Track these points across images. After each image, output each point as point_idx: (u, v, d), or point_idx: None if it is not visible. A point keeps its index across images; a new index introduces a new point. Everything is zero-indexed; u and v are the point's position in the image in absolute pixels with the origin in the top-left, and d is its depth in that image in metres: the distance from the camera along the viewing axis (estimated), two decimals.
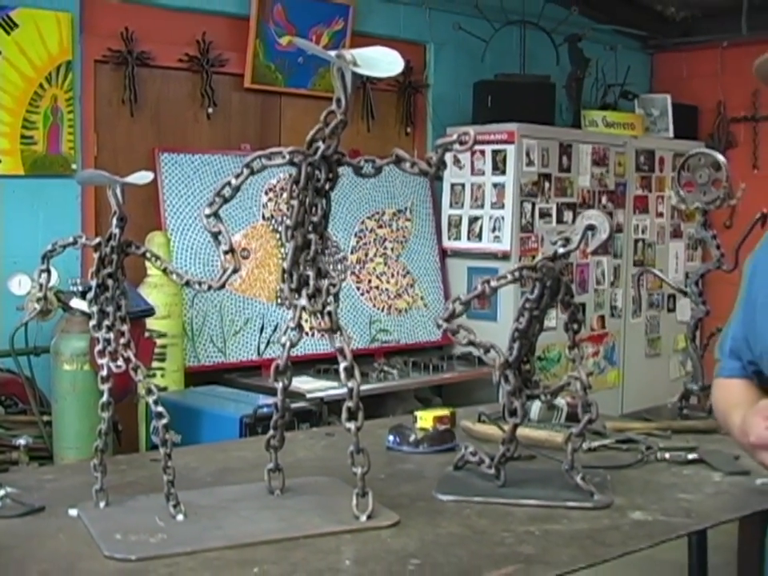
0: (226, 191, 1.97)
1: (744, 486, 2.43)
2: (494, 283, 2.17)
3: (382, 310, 5.69)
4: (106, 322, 2.09)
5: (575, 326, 2.30)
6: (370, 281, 5.67)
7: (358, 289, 5.61)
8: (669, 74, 7.59)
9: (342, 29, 5.54)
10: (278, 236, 5.15)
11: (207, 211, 1.96)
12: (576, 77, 6.50)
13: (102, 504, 2.07)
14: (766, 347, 1.97)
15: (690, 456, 2.62)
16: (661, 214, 6.90)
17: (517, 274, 2.19)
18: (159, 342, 4.44)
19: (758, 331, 2.00)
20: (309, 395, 4.49)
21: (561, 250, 2.22)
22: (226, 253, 1.95)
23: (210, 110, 5.19)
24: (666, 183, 6.73)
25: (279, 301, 5.03)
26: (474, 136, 1.89)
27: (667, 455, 2.63)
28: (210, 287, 2.03)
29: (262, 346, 5.11)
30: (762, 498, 2.37)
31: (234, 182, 1.97)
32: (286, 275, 2.00)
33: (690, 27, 7.42)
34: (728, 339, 2.18)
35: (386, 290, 5.73)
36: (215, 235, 1.96)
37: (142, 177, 2.12)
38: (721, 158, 3.50)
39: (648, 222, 6.81)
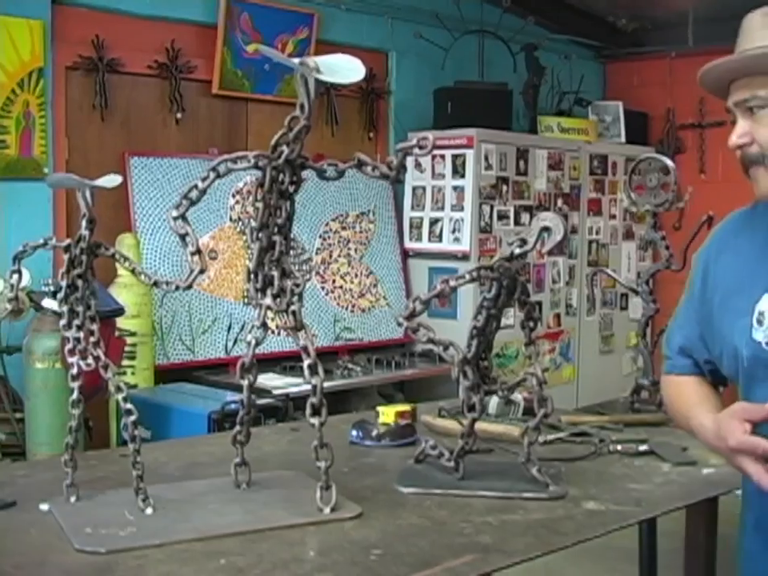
0: (193, 194, 1.96)
1: (691, 476, 2.45)
2: (452, 283, 2.18)
3: (346, 309, 5.69)
4: (76, 322, 2.07)
5: (531, 324, 2.31)
6: (334, 281, 5.66)
7: (323, 288, 5.60)
8: (621, 82, 7.64)
9: (307, 37, 5.53)
10: (244, 237, 5.13)
11: (174, 213, 1.95)
12: (532, 84, 6.52)
13: (72, 499, 2.06)
14: (726, 347, 1.90)
15: (641, 448, 2.64)
16: (613, 216, 6.93)
17: (475, 273, 2.20)
18: (129, 340, 4.42)
19: (716, 331, 1.95)
20: (275, 392, 4.48)
21: (517, 251, 2.23)
22: (192, 254, 1.94)
23: (179, 115, 5.17)
24: (618, 186, 6.75)
25: (246, 300, 5.01)
26: (432, 141, 1.89)
27: (619, 447, 2.65)
28: (177, 287, 2.02)
29: (230, 344, 5.09)
30: (708, 487, 2.40)
31: (200, 185, 1.96)
32: (251, 275, 2.00)
33: (640, 38, 7.47)
34: (677, 336, 2.13)
35: (350, 289, 5.73)
36: (182, 237, 1.94)
37: (111, 180, 2.11)
38: (669, 162, 3.53)
39: (601, 224, 6.84)
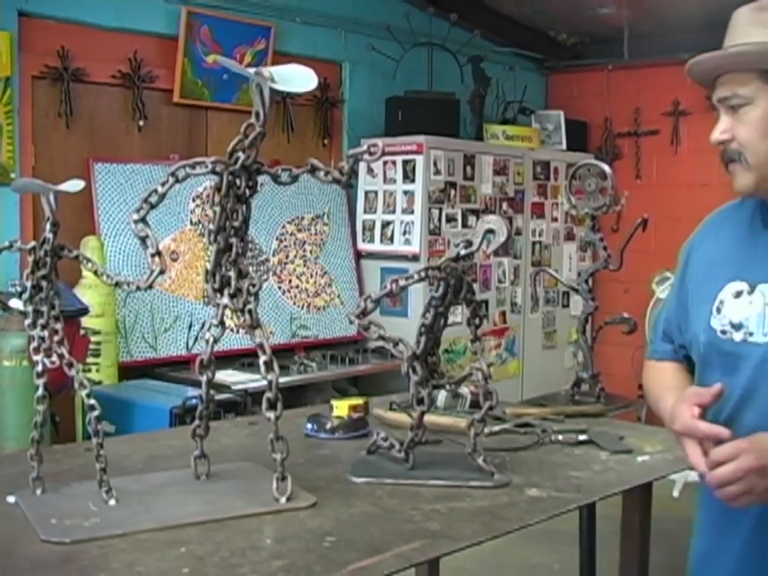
0: (153, 198, 1.94)
1: (627, 463, 2.47)
2: (402, 282, 2.18)
3: (302, 308, 5.68)
4: (41, 321, 2.05)
5: (477, 321, 2.31)
6: (290, 281, 5.65)
7: (280, 288, 5.58)
8: (561, 92, 7.68)
9: (264, 48, 5.52)
10: (204, 240, 5.10)
11: (135, 217, 1.94)
12: (479, 94, 6.54)
13: (38, 491, 2.03)
14: (693, 334, 1.89)
15: (581, 437, 2.65)
16: (555, 219, 6.97)
17: (423, 273, 2.20)
18: (94, 338, 4.39)
19: (688, 317, 1.93)
20: (234, 387, 4.47)
21: (463, 252, 2.23)
22: (153, 255, 1.92)
23: (141, 123, 5.14)
24: (559, 191, 6.80)
25: (206, 300, 4.99)
26: (381, 147, 1.89)
27: (560, 437, 2.66)
28: (138, 287, 2.01)
29: (191, 342, 5.06)
30: (643, 474, 2.42)
31: (160, 189, 1.94)
32: (209, 276, 1.99)
33: (579, 51, 7.52)
34: (661, 322, 2.11)
35: (306, 289, 5.72)
36: (143, 239, 1.93)
37: (74, 185, 2.09)
38: (606, 168, 3.56)
39: (544, 226, 6.88)
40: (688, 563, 1.96)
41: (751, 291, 1.77)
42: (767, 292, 1.75)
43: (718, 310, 1.80)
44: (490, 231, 2.24)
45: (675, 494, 5.60)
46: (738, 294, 1.78)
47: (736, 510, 1.70)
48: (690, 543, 1.95)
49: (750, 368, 1.74)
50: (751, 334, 1.75)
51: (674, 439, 1.76)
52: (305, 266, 5.73)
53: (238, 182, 1.95)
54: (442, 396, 2.92)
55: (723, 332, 1.79)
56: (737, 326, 1.77)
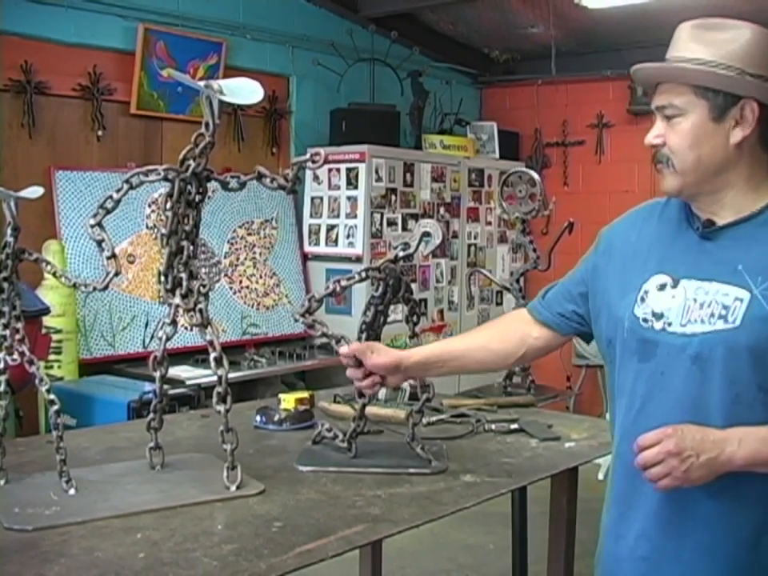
0: (108, 204, 1.93)
1: (555, 450, 2.50)
2: (343, 282, 2.18)
3: (252, 307, 5.65)
4: (2, 321, 2.03)
5: (415, 319, 2.32)
6: (241, 281, 5.62)
7: (231, 288, 5.55)
8: (495, 105, 7.71)
9: (216, 63, 5.48)
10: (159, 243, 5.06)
11: (92, 221, 1.92)
12: (418, 106, 6.56)
13: (1, 482, 2.02)
14: (610, 315, 1.89)
15: (512, 426, 2.67)
16: (489, 223, 6.99)
17: (363, 274, 2.20)
18: (55, 337, 4.35)
19: (604, 296, 1.93)
20: (188, 382, 4.43)
21: (401, 254, 2.23)
22: (108, 258, 1.91)
23: (100, 133, 5.09)
24: (493, 196, 6.83)
25: (161, 300, 4.93)
26: (324, 155, 1.89)
27: (493, 426, 2.68)
28: (95, 288, 1.99)
29: (147, 340, 5.01)
30: (570, 459, 2.45)
31: (115, 195, 1.93)
32: (161, 277, 1.97)
33: (511, 67, 7.56)
34: (557, 288, 2.12)
35: (255, 289, 5.69)
36: (99, 243, 1.91)
37: (34, 191, 2.06)
38: (535, 175, 3.58)
39: (479, 230, 6.90)
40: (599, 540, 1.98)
41: (674, 285, 1.79)
42: (689, 287, 1.77)
43: (642, 300, 1.82)
44: (427, 234, 2.24)
45: (600, 476, 5.64)
46: (662, 287, 1.80)
47: (639, 487, 1.77)
48: (601, 522, 1.97)
49: (664, 355, 1.76)
50: (670, 324, 1.77)
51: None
52: (255, 267, 5.71)
53: (189, 188, 1.94)
54: (383, 389, 2.92)
55: (645, 320, 1.81)
56: (658, 316, 1.79)
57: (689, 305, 1.75)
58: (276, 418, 2.66)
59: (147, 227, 5.15)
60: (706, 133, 1.74)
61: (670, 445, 1.63)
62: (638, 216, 1.99)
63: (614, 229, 2.02)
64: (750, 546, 1.72)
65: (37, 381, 2.01)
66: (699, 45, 1.74)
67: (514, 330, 2.15)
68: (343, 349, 2.05)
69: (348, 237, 5.85)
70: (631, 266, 1.88)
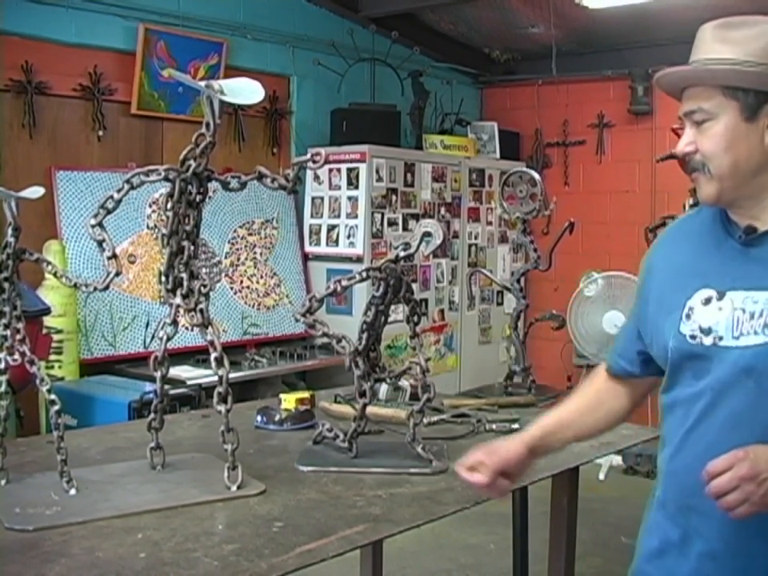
0: (109, 204, 1.93)
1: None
2: (344, 282, 2.18)
3: (253, 307, 5.65)
4: (3, 321, 2.03)
5: (416, 319, 2.32)
6: (242, 281, 5.62)
7: (232, 288, 5.55)
8: (495, 105, 7.71)
9: (217, 63, 5.48)
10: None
11: (92, 222, 1.92)
12: (418, 106, 6.55)
13: (2, 482, 2.02)
14: (657, 339, 1.83)
15: (513, 426, 2.67)
16: (490, 223, 6.99)
17: (364, 274, 2.20)
18: (56, 337, 4.35)
19: (650, 323, 1.86)
20: (189, 382, 4.43)
21: (402, 254, 2.24)
22: (109, 258, 1.91)
23: (101, 133, 5.08)
24: (493, 196, 6.83)
25: (162, 300, 4.93)
26: (324, 155, 1.89)
27: (494, 426, 2.68)
28: (95, 288, 1.99)
29: (148, 340, 5.01)
30: (570, 459, 2.45)
31: (115, 195, 1.93)
32: (162, 277, 1.97)
33: (511, 67, 7.56)
34: (622, 333, 2.04)
35: (256, 289, 5.69)
36: (100, 243, 1.91)
37: (34, 192, 2.07)
38: (536, 175, 3.58)
39: (479, 230, 6.90)
40: (635, 562, 1.89)
41: (720, 298, 1.72)
42: (736, 299, 1.69)
43: (688, 317, 1.75)
44: (427, 234, 2.25)
45: (601, 476, 5.65)
46: (707, 301, 1.73)
47: (698, 507, 1.70)
48: (639, 542, 1.89)
49: (721, 370, 1.69)
50: (721, 338, 1.70)
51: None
52: (255, 267, 5.71)
53: (189, 188, 1.94)
54: (383, 389, 2.93)
55: (693, 337, 1.74)
56: (706, 331, 1.72)
57: (737, 316, 1.68)
58: (277, 418, 2.66)
59: (148, 227, 5.14)
60: (740, 134, 1.68)
61: (744, 469, 1.52)
62: (671, 236, 1.94)
63: (653, 253, 1.96)
64: None
65: (37, 381, 2.01)
66: (724, 45, 1.69)
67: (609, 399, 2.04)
68: (462, 471, 1.84)
69: (349, 237, 5.85)
70: (673, 286, 1.82)
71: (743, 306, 1.68)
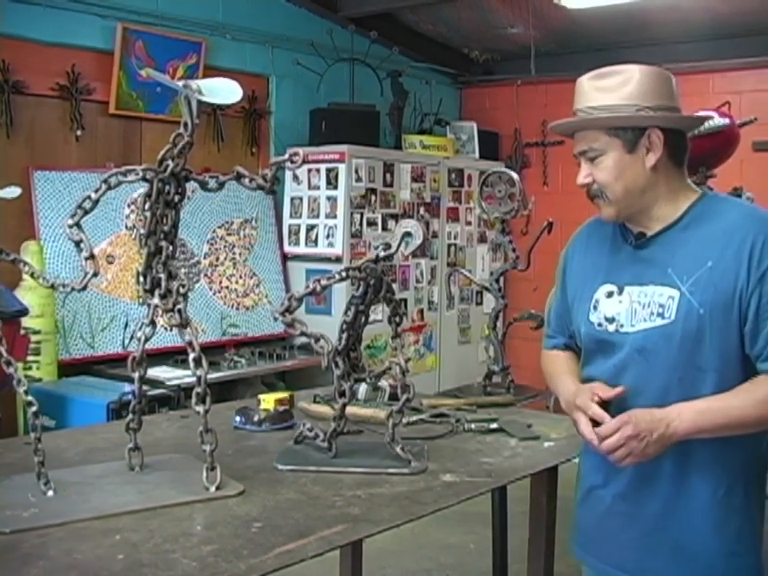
0: (86, 204, 1.92)
1: (535, 449, 2.51)
2: (323, 282, 2.17)
3: (232, 307, 5.63)
4: None
5: (397, 319, 2.32)
6: (221, 282, 5.61)
7: (211, 289, 5.54)
8: (474, 105, 7.72)
9: (196, 63, 5.46)
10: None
11: (70, 222, 1.91)
12: (397, 106, 6.56)
13: None
14: (576, 327, 2.19)
15: (492, 426, 2.68)
16: (469, 223, 7.00)
17: (343, 274, 2.20)
18: (34, 338, 4.33)
19: (573, 314, 2.22)
20: (167, 383, 4.42)
21: (382, 254, 2.24)
22: (86, 258, 1.90)
23: (79, 133, 5.05)
24: (472, 196, 6.83)
25: (141, 300, 4.91)
26: (302, 155, 1.89)
27: (473, 426, 2.68)
28: (73, 288, 1.98)
29: (127, 340, 4.99)
30: (549, 458, 2.46)
31: (93, 196, 1.92)
32: (140, 278, 1.96)
33: (491, 67, 7.57)
34: (552, 318, 2.37)
35: (235, 289, 5.68)
36: (77, 243, 1.90)
37: (12, 192, 2.06)
38: (515, 175, 3.58)
39: (459, 230, 6.90)
40: (573, 503, 2.24)
41: (620, 292, 2.08)
42: (633, 293, 2.05)
43: (595, 308, 2.11)
44: (408, 234, 2.25)
45: None
46: (610, 295, 2.10)
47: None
48: (576, 487, 2.24)
49: (621, 351, 2.05)
50: (621, 326, 2.06)
51: (568, 409, 2.09)
52: (234, 267, 5.70)
53: (167, 188, 1.93)
54: (362, 389, 2.93)
55: (599, 324, 2.10)
56: (610, 320, 2.08)
57: (635, 308, 2.04)
58: (255, 418, 2.65)
59: (126, 227, 5.12)
60: (626, 164, 2.02)
61: (628, 430, 1.90)
62: (581, 238, 2.27)
63: (570, 249, 2.30)
64: (711, 500, 2.00)
65: (15, 382, 1.99)
66: (600, 93, 2.02)
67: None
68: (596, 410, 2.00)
69: (328, 237, 5.84)
70: (583, 281, 2.18)
71: (638, 299, 2.04)
